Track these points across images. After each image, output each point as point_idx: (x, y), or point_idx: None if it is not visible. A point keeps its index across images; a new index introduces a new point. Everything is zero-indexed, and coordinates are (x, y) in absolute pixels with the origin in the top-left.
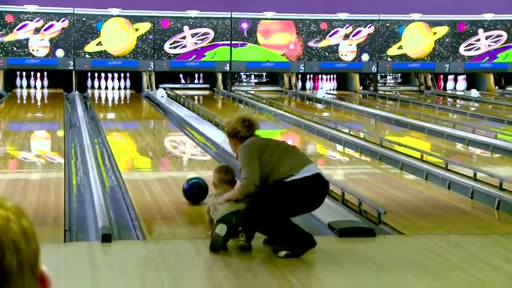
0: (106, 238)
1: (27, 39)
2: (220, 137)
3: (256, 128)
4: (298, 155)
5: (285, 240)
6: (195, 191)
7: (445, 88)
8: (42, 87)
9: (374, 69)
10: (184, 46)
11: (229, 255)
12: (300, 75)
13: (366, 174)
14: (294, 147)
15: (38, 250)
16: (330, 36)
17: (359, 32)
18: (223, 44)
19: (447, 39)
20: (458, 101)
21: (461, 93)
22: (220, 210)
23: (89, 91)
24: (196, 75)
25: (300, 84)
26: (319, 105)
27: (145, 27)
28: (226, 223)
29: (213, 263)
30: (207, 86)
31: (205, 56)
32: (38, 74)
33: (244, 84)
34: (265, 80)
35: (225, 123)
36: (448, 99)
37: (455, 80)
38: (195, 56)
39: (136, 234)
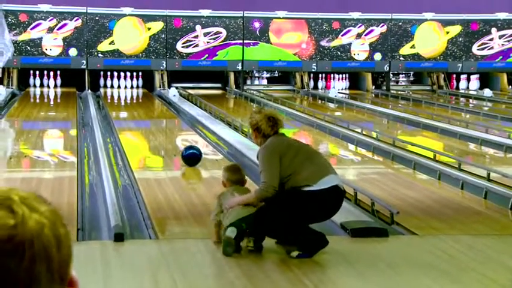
0: (118, 237)
1: (40, 39)
2: (232, 136)
3: (281, 127)
4: (320, 163)
5: (297, 241)
6: (191, 161)
7: (457, 88)
8: (55, 86)
9: (386, 68)
10: (197, 45)
11: (241, 255)
12: (312, 75)
13: (378, 174)
14: (316, 153)
15: (70, 258)
16: (342, 36)
17: (371, 31)
18: (236, 43)
19: (460, 39)
20: (471, 100)
21: (474, 92)
22: (231, 214)
23: (102, 90)
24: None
25: (312, 83)
26: (332, 105)
27: (157, 26)
28: (236, 227)
29: (224, 262)
30: (219, 85)
31: (217, 55)
32: (51, 73)
33: (256, 83)
34: (277, 75)
35: (251, 114)
36: (461, 98)
37: (468, 80)
38: (207, 55)
39: (149, 233)
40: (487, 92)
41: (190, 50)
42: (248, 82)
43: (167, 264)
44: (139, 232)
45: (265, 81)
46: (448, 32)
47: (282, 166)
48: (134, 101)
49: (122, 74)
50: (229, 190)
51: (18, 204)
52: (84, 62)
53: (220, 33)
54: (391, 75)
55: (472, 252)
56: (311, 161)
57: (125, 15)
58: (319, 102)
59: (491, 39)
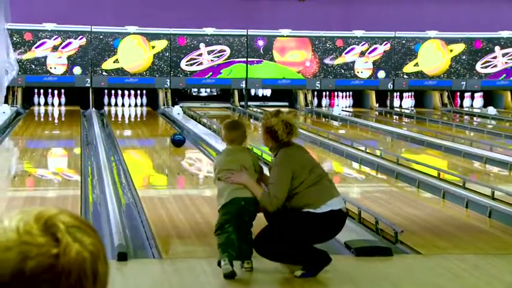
0: (122, 257)
1: (45, 57)
2: None
3: (295, 135)
4: (325, 186)
5: (299, 261)
6: (179, 144)
7: (461, 105)
8: (60, 104)
9: (390, 86)
10: (201, 63)
11: (245, 274)
12: (315, 92)
13: (382, 192)
14: (324, 175)
15: None
16: (345, 54)
17: (375, 49)
18: (239, 61)
19: (464, 57)
20: (475, 118)
21: (478, 110)
22: (224, 194)
23: (106, 108)
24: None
25: (315, 101)
26: (335, 123)
27: (161, 44)
28: (228, 256)
29: (228, 282)
30: (227, 105)
31: (221, 73)
32: (56, 92)
33: (258, 102)
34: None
35: (265, 115)
36: (465, 116)
37: (472, 98)
38: (211, 73)
39: (152, 252)
40: (491, 110)
41: (194, 68)
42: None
43: (171, 284)
44: (143, 251)
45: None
46: (451, 50)
47: (291, 185)
48: (138, 119)
49: (126, 92)
50: (225, 150)
51: (63, 233)
52: (89, 80)
53: (224, 51)
54: (395, 94)
55: (477, 272)
56: (318, 184)
57: (129, 33)
58: (323, 120)
59: (494, 57)
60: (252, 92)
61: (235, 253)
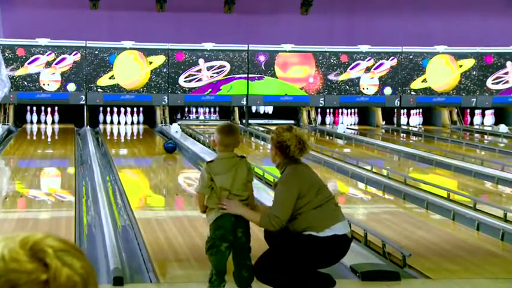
0: (118, 281)
1: (38, 73)
2: None
3: (307, 153)
4: (331, 209)
5: (303, 286)
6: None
7: (472, 123)
8: (53, 122)
9: (397, 103)
10: (200, 79)
11: None
12: (319, 110)
13: (389, 213)
14: (331, 199)
15: None
16: (350, 69)
17: (381, 64)
18: (240, 77)
19: (474, 72)
20: (486, 136)
21: (489, 128)
22: (215, 207)
23: (101, 126)
24: (212, 108)
25: (319, 119)
26: (340, 141)
27: (159, 60)
28: (221, 271)
29: None
30: (228, 122)
31: (221, 89)
32: (49, 109)
33: (260, 119)
34: (271, 113)
35: (277, 130)
36: (476, 134)
37: (483, 115)
38: (210, 89)
39: (149, 277)
40: (503, 128)
41: (193, 84)
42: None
43: None
44: (140, 275)
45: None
46: (461, 66)
47: (296, 205)
48: (135, 138)
49: (122, 109)
50: (220, 161)
51: (51, 258)
52: (83, 97)
53: (224, 67)
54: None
55: None
56: (324, 207)
57: (125, 49)
58: (327, 138)
59: (506, 73)
60: (253, 109)
61: (225, 281)
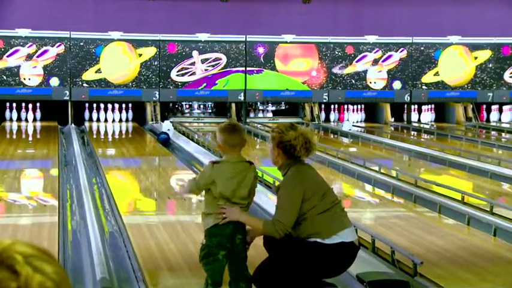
0: None
1: (18, 67)
2: None
3: (313, 153)
4: (337, 215)
5: None
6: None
7: (488, 120)
8: (35, 120)
9: (407, 98)
10: (194, 73)
11: None
12: (323, 106)
13: (398, 218)
14: (337, 203)
15: None
16: (356, 62)
17: (390, 56)
18: (237, 71)
19: (490, 65)
20: (503, 134)
21: (507, 125)
22: (212, 212)
23: (87, 124)
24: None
25: (323, 115)
26: (345, 140)
27: (149, 52)
28: (217, 282)
29: None
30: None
31: (216, 84)
32: (30, 106)
33: (260, 115)
34: (284, 108)
35: (279, 128)
36: (492, 132)
37: (500, 111)
38: (205, 84)
39: (139, 287)
40: None
41: (186, 78)
42: (251, 115)
43: None
44: (129, 285)
45: (270, 114)
46: (476, 58)
47: (300, 208)
48: (123, 136)
49: (110, 106)
50: (227, 164)
51: (21, 264)
52: (67, 92)
53: (220, 59)
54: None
55: None
56: (330, 212)
57: (113, 40)
58: (332, 136)
59: None
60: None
61: None
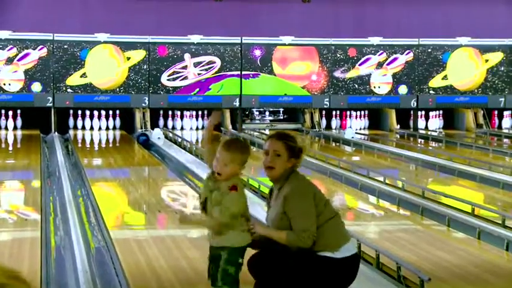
0: None
1: None
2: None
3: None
4: (341, 224)
5: None
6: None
7: (500, 127)
8: (15, 128)
9: (414, 104)
10: (186, 78)
11: None
12: (324, 112)
13: (405, 231)
14: (337, 212)
15: None
16: (359, 65)
17: (395, 59)
18: (232, 75)
19: (502, 68)
20: None
21: None
22: (241, 231)
23: (71, 132)
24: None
25: (324, 122)
26: (348, 148)
27: (138, 55)
28: None
29: None
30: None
31: (210, 89)
32: (10, 113)
33: (257, 122)
34: (282, 118)
35: (287, 133)
36: (504, 140)
37: None
38: (198, 89)
39: None
40: None
41: (177, 83)
42: (247, 122)
43: None
44: None
45: (267, 119)
46: (487, 60)
47: None
48: (110, 145)
49: (96, 112)
50: (242, 187)
51: None
52: (50, 99)
53: (214, 63)
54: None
55: None
56: (334, 220)
57: (99, 42)
58: (333, 145)
59: None
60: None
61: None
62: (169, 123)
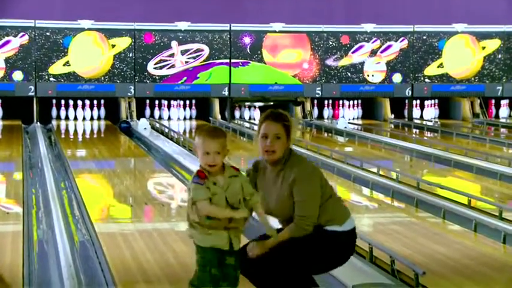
0: None
1: None
2: None
3: None
4: (341, 201)
5: None
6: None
7: (497, 116)
8: None
9: (408, 93)
10: (173, 66)
11: None
12: (316, 101)
13: (399, 224)
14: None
15: None
16: (352, 53)
17: (389, 47)
18: (221, 63)
19: (499, 55)
20: None
21: None
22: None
23: (54, 122)
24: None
25: (316, 112)
26: (341, 138)
27: (123, 43)
28: None
29: None
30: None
31: (198, 77)
32: None
33: (247, 113)
34: (272, 104)
35: (285, 113)
36: (502, 129)
37: (510, 106)
38: (185, 78)
39: None
40: None
41: (164, 71)
42: (237, 112)
43: None
44: None
45: (257, 111)
46: (484, 48)
47: None
48: (95, 136)
49: (80, 102)
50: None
51: None
52: (32, 88)
53: (202, 50)
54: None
55: None
56: (336, 197)
57: (83, 29)
58: (325, 135)
59: None
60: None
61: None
62: (156, 113)
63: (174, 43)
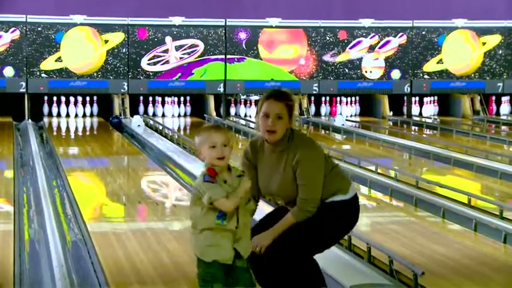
0: None
1: None
2: None
3: None
4: (341, 170)
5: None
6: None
7: (498, 113)
8: None
9: (407, 89)
10: (167, 62)
11: None
12: (313, 98)
13: (398, 223)
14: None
15: None
16: (350, 49)
17: (387, 42)
18: (216, 59)
19: (500, 51)
20: None
21: None
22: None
23: (46, 120)
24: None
25: (313, 109)
26: (338, 136)
27: (117, 38)
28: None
29: None
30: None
31: (193, 73)
32: None
33: (242, 109)
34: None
35: (287, 92)
36: (502, 127)
37: None
38: (180, 74)
39: None
40: None
41: (158, 67)
42: (232, 109)
43: None
44: None
45: (253, 107)
46: (484, 43)
47: None
48: (87, 133)
49: (72, 99)
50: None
51: None
52: (24, 84)
53: (197, 46)
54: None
55: None
56: (338, 167)
57: (75, 24)
58: (322, 132)
59: None
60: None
61: None
62: (150, 109)
63: (168, 38)
